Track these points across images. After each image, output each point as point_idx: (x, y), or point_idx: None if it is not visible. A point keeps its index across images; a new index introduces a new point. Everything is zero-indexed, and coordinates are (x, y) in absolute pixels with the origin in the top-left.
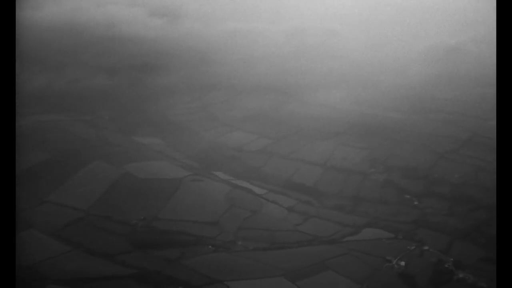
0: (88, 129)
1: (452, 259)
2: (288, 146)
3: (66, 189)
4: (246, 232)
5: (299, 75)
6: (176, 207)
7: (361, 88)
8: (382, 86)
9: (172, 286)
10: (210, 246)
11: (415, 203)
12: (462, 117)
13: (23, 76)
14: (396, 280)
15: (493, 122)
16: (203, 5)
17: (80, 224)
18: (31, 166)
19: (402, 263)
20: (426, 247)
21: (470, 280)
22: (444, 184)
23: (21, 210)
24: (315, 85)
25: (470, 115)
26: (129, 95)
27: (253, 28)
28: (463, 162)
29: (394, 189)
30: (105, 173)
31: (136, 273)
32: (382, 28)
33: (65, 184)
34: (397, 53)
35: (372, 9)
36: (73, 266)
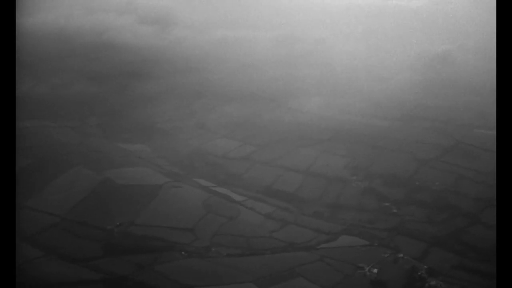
0: (73, 135)
1: (426, 267)
2: (272, 153)
3: (44, 195)
4: (221, 239)
5: (287, 83)
6: (154, 213)
7: (347, 95)
8: (367, 94)
9: None
10: (183, 252)
11: (394, 210)
12: (446, 124)
13: None
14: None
15: (478, 130)
16: (193, 13)
17: (54, 230)
18: None
19: (375, 270)
20: (401, 255)
21: (441, 287)
22: (424, 191)
23: None
24: (302, 93)
25: (455, 123)
26: (117, 101)
27: (242, 36)
28: (445, 170)
29: (375, 197)
30: (85, 179)
31: (107, 278)
32: (370, 37)
33: (43, 190)
34: (384, 61)
35: (360, 18)
36: (44, 271)
